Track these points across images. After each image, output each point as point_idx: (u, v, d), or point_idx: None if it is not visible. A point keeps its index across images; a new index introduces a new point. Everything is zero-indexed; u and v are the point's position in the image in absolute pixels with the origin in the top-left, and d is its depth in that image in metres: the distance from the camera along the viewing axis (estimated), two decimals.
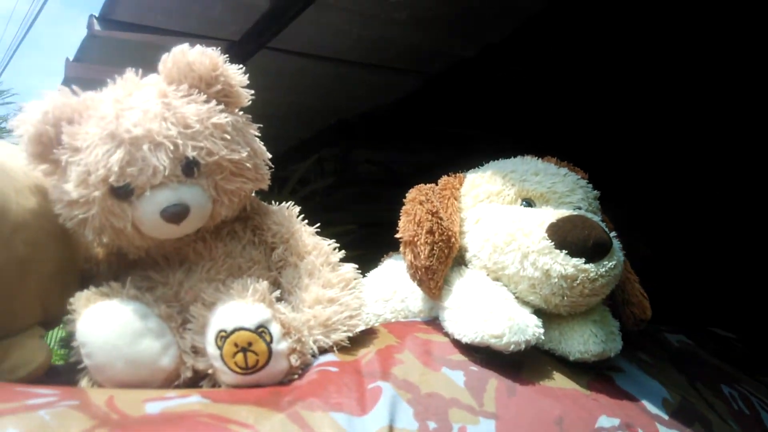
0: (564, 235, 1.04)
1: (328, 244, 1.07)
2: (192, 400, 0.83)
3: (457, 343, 1.07)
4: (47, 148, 0.90)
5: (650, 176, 2.55)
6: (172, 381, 0.93)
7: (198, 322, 0.93)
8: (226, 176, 0.95)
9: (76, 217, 0.91)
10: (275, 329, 0.90)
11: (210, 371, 0.92)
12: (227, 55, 2.21)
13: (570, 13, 2.11)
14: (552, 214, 1.09)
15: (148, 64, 2.32)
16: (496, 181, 1.19)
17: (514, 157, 1.28)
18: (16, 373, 0.88)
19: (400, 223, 1.11)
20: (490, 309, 1.03)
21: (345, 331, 1.00)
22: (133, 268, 1.03)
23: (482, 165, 1.29)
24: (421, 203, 1.11)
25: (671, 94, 2.33)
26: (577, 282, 1.04)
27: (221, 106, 0.95)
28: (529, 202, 1.17)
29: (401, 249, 1.11)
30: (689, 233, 2.24)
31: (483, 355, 1.05)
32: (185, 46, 0.95)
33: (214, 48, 0.97)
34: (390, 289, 1.37)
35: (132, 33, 2.11)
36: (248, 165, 0.97)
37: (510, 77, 2.62)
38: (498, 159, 1.28)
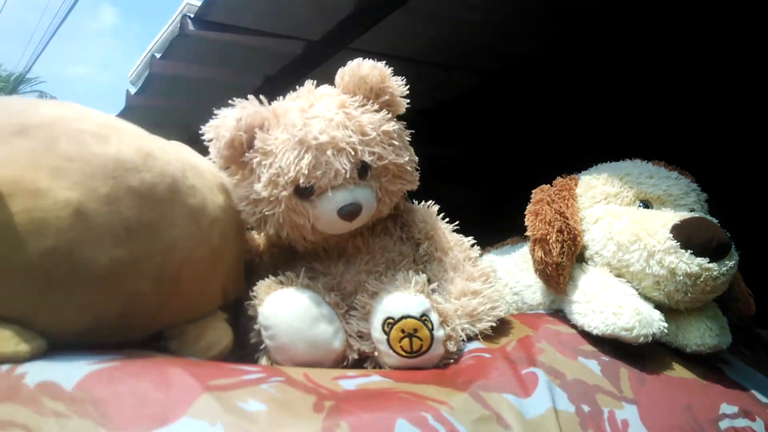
0: (689, 236, 1.11)
1: (466, 241, 1.15)
2: (375, 378, 0.91)
3: (586, 334, 1.15)
4: (238, 152, 0.99)
5: (730, 176, 2.58)
6: (339, 362, 1.01)
7: (363, 310, 1.01)
8: (390, 178, 1.04)
9: (260, 214, 1.00)
10: (435, 318, 0.98)
11: (375, 354, 1.00)
12: (309, 54, 2.29)
13: (642, 8, 2.16)
14: (674, 215, 1.16)
15: (236, 61, 2.41)
16: (614, 183, 1.26)
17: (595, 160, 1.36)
18: (209, 352, 0.97)
19: (528, 222, 1.19)
20: (619, 303, 1.11)
21: (488, 321, 1.08)
22: (294, 259, 1.12)
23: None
24: (548, 204, 1.18)
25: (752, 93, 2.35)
26: (701, 280, 1.11)
27: (389, 115, 1.03)
28: (646, 204, 1.24)
29: (530, 246, 1.19)
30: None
31: (610, 346, 1.13)
32: (359, 60, 1.03)
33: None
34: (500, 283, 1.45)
35: (223, 33, 2.19)
36: (408, 168, 1.05)
37: (575, 77, 2.68)
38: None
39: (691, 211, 1.22)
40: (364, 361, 1.03)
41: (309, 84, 1.06)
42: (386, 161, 1.00)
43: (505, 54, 2.58)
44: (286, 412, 0.75)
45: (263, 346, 1.00)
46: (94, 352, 0.86)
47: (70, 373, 0.77)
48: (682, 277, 1.12)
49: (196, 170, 0.98)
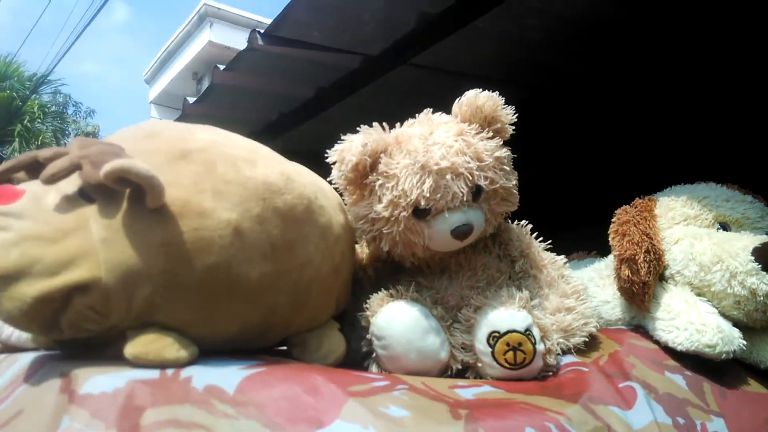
0: None
1: (559, 259, 1.22)
2: (488, 389, 0.98)
3: (668, 350, 1.21)
4: (361, 174, 1.07)
5: None
6: (443, 372, 1.08)
7: (467, 323, 1.08)
8: (498, 201, 1.11)
9: (376, 232, 1.08)
10: (536, 332, 1.05)
11: (477, 365, 1.07)
12: (365, 68, 2.36)
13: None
14: (753, 238, 1.22)
15: (292, 74, 2.49)
16: (693, 205, 1.33)
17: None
18: (327, 359, 1.05)
19: (614, 242, 1.26)
20: (702, 321, 1.17)
21: (582, 336, 1.15)
22: (396, 273, 1.20)
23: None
24: (635, 225, 1.25)
25: None
26: None
27: (501, 141, 1.10)
28: (724, 226, 1.30)
29: (615, 265, 1.26)
30: None
31: (691, 361, 1.19)
32: (476, 91, 1.10)
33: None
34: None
35: (287, 48, 2.28)
36: (514, 191, 1.12)
37: (624, 95, 2.74)
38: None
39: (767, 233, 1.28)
40: (465, 372, 1.09)
41: (427, 112, 1.13)
42: (497, 185, 1.07)
43: (558, 69, 2.64)
44: (428, 419, 0.82)
45: (374, 354, 1.08)
46: (238, 357, 0.94)
47: (227, 377, 0.85)
48: (762, 298, 1.18)
49: (323, 191, 1.05)
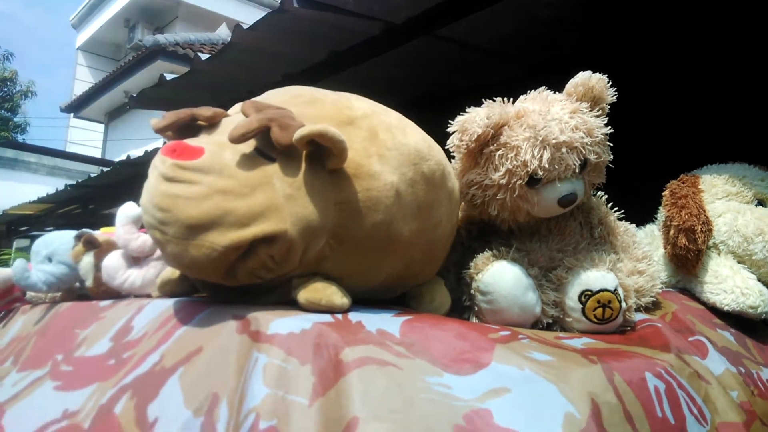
0: None
1: (631, 227, 1.36)
2: (588, 340, 1.11)
3: (713, 310, 1.38)
4: (481, 145, 1.17)
5: None
6: (534, 326, 1.21)
7: (558, 282, 1.21)
8: (596, 173, 1.23)
9: (488, 197, 1.18)
10: (620, 291, 1.19)
11: (566, 320, 1.20)
12: (386, 36, 2.43)
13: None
14: None
15: (311, 36, 2.53)
16: (735, 183, 1.49)
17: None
18: (439, 310, 1.16)
19: (672, 213, 1.40)
20: (746, 286, 1.35)
21: (651, 297, 1.29)
22: (487, 235, 1.31)
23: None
24: (691, 197, 1.40)
25: None
26: None
27: (606, 119, 1.21)
28: (761, 203, 1.47)
29: (671, 233, 1.41)
30: None
31: (733, 320, 1.36)
32: (588, 73, 1.20)
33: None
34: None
35: (318, 11, 2.32)
36: (607, 165, 1.25)
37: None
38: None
39: None
40: (552, 326, 1.22)
41: (543, 89, 1.23)
42: (600, 159, 1.19)
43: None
44: (570, 362, 0.94)
45: (476, 308, 1.19)
46: (380, 306, 1.04)
47: (388, 322, 0.95)
48: None
49: (438, 150, 1.15)
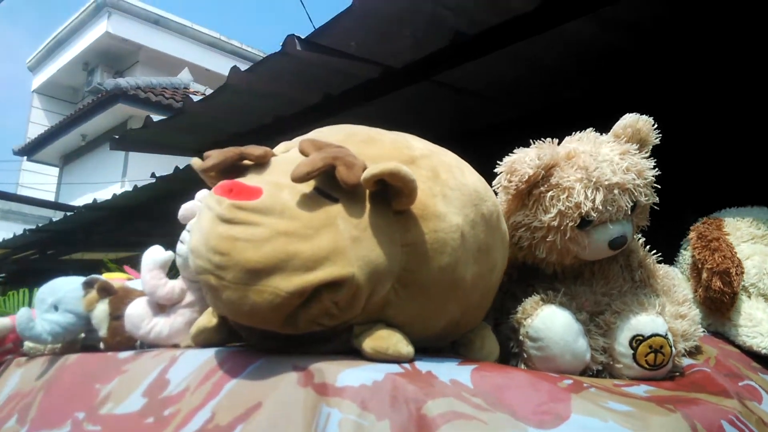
0: None
1: (669, 269, 1.34)
2: (649, 387, 1.07)
3: (749, 353, 1.36)
4: (531, 186, 1.13)
5: None
6: (584, 373, 1.17)
7: (606, 327, 1.18)
8: (642, 215, 1.21)
9: (536, 239, 1.15)
10: (670, 336, 1.16)
11: (617, 366, 1.16)
12: (385, 80, 2.42)
13: None
14: None
15: (309, 78, 2.50)
16: (759, 226, 1.49)
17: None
18: (489, 358, 1.11)
19: (704, 256, 1.39)
20: None
21: (694, 341, 1.26)
22: (528, 278, 1.27)
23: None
24: (723, 240, 1.39)
25: None
26: None
27: (652, 161, 1.20)
28: None
29: (706, 277, 1.39)
30: None
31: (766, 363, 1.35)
32: (636, 115, 1.19)
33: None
34: None
35: (319, 54, 2.30)
36: (650, 206, 1.23)
37: None
38: None
39: None
40: (600, 373, 1.18)
41: (591, 131, 1.21)
42: (648, 201, 1.18)
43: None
44: (649, 412, 0.90)
45: (525, 355, 1.14)
46: (439, 355, 0.99)
47: (457, 372, 0.89)
48: None
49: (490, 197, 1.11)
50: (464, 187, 0.97)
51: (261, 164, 0.98)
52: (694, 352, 1.29)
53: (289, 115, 3.03)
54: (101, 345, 1.32)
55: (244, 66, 2.66)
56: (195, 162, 1.02)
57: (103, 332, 1.28)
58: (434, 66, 2.41)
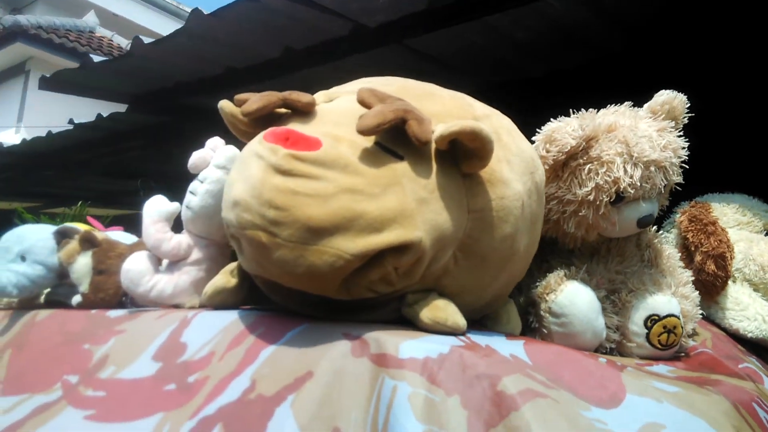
0: None
1: (672, 250, 1.35)
2: (669, 367, 1.08)
3: (736, 336, 1.40)
4: (570, 157, 1.09)
5: None
6: (596, 351, 1.16)
7: (621, 305, 1.17)
8: (665, 194, 1.20)
9: (567, 213, 1.12)
10: (682, 317, 1.17)
11: (629, 345, 1.16)
12: (353, 38, 2.34)
13: None
14: None
15: (271, 28, 2.37)
16: (745, 213, 1.54)
17: None
18: (514, 332, 1.08)
19: (700, 239, 1.42)
20: (766, 313, 1.38)
21: (695, 321, 1.28)
22: (544, 254, 1.24)
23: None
24: (717, 224, 1.42)
25: None
26: None
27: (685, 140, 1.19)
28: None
29: (700, 260, 1.42)
30: None
31: (750, 346, 1.39)
32: (671, 92, 1.17)
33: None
34: None
35: (291, 2, 2.18)
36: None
37: None
38: None
39: None
40: (611, 352, 1.18)
41: (628, 105, 1.18)
42: (677, 180, 1.17)
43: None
44: (693, 391, 0.89)
45: (545, 330, 1.12)
46: (477, 328, 0.95)
47: (512, 347, 0.85)
48: None
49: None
50: (523, 153, 0.92)
51: (305, 113, 0.89)
52: (691, 333, 1.30)
53: (243, 67, 2.87)
54: (75, 301, 1.18)
55: (158, 16, 2.49)
56: (226, 105, 0.92)
57: (84, 287, 1.15)
58: (410, 29, 2.33)
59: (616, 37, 2.33)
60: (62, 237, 1.24)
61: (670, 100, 1.16)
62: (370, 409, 0.74)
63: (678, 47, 2.32)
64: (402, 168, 0.80)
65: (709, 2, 1.96)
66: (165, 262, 1.08)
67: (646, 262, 1.29)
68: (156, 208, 1.06)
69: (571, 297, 1.10)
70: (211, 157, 1.06)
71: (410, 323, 0.86)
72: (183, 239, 1.05)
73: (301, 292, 0.85)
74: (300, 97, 0.88)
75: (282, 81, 2.82)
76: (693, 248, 1.44)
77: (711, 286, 1.42)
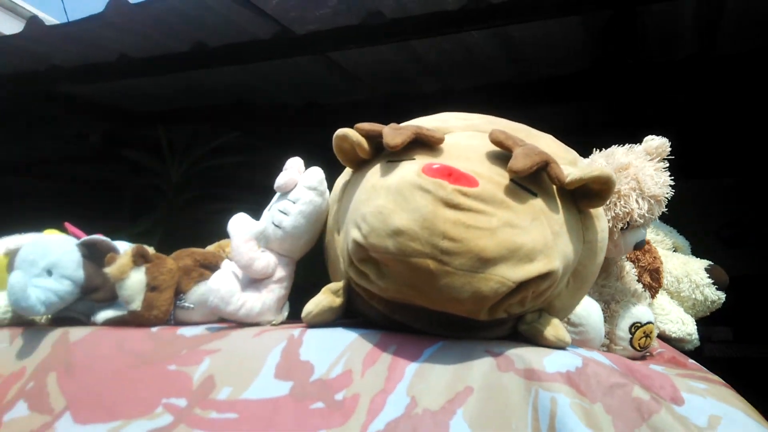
0: (718, 277, 1.76)
1: (627, 265, 1.60)
2: (658, 366, 1.31)
3: (662, 336, 1.70)
4: None
5: None
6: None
7: (610, 315, 1.39)
8: None
9: None
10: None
11: (614, 347, 1.39)
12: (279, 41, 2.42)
13: None
14: (701, 261, 1.80)
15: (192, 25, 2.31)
16: (658, 232, 1.86)
17: None
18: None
19: (637, 255, 1.69)
20: (682, 317, 1.70)
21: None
22: None
23: None
24: (650, 242, 1.71)
25: None
26: (715, 305, 1.77)
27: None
28: (675, 249, 1.87)
29: (637, 272, 1.70)
30: None
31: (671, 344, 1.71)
32: (663, 139, 1.38)
33: None
34: None
35: None
36: None
37: None
38: None
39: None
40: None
41: (631, 146, 1.38)
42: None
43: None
44: (719, 388, 1.11)
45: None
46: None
47: (598, 355, 1.01)
48: (708, 303, 1.76)
49: None
50: None
51: (430, 147, 0.97)
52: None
53: (138, 58, 2.71)
54: (102, 319, 1.13)
55: None
56: (353, 135, 0.97)
57: (136, 304, 1.10)
58: (340, 42, 2.39)
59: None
60: (87, 249, 1.17)
61: (662, 145, 1.40)
62: (528, 418, 0.85)
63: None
64: (539, 204, 0.92)
65: None
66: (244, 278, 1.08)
67: (616, 276, 1.53)
68: (245, 226, 1.05)
69: (588, 309, 1.29)
70: (299, 177, 1.08)
71: (522, 339, 0.98)
72: (271, 258, 1.07)
73: (429, 312, 0.94)
74: (435, 133, 0.96)
75: (187, 76, 2.73)
76: (632, 263, 1.71)
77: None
